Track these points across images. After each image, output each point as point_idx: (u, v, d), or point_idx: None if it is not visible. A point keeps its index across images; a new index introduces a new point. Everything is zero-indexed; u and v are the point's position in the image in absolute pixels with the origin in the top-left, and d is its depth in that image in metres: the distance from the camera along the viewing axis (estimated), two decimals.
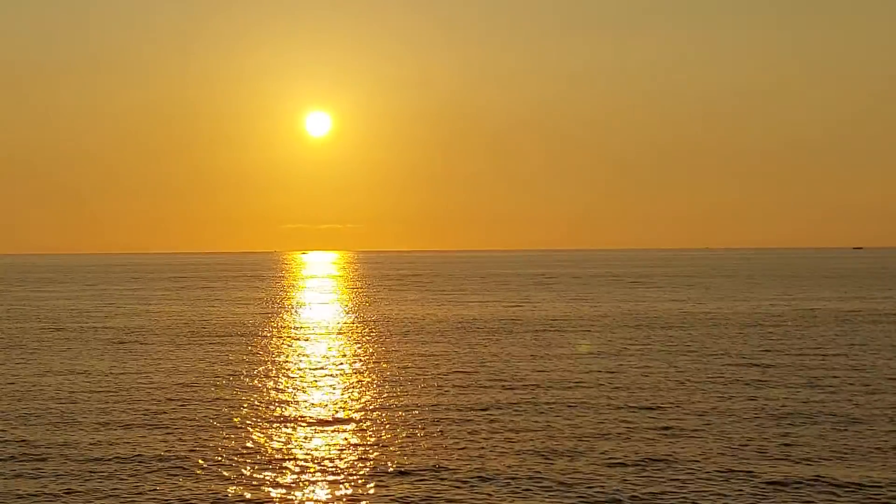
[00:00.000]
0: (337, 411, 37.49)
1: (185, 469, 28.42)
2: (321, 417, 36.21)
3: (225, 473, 27.96)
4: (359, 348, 60.60)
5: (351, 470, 28.23)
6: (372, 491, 26.01)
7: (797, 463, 28.40)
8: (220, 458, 29.65)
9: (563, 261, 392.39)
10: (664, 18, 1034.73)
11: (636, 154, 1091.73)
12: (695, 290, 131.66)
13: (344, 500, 25.43)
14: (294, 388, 43.51)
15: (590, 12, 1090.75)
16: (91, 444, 31.86)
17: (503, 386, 43.29)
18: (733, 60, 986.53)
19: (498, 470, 27.81)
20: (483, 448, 30.65)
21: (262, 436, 32.81)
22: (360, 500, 25.33)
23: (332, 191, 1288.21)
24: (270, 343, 64.54)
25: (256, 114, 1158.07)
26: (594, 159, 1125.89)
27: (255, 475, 27.68)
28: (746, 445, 30.57)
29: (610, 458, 29.27)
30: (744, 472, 27.43)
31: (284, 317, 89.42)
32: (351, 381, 45.69)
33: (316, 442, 31.99)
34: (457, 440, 31.86)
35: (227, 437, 32.65)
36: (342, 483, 26.80)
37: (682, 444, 30.60)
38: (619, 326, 74.19)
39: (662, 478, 26.79)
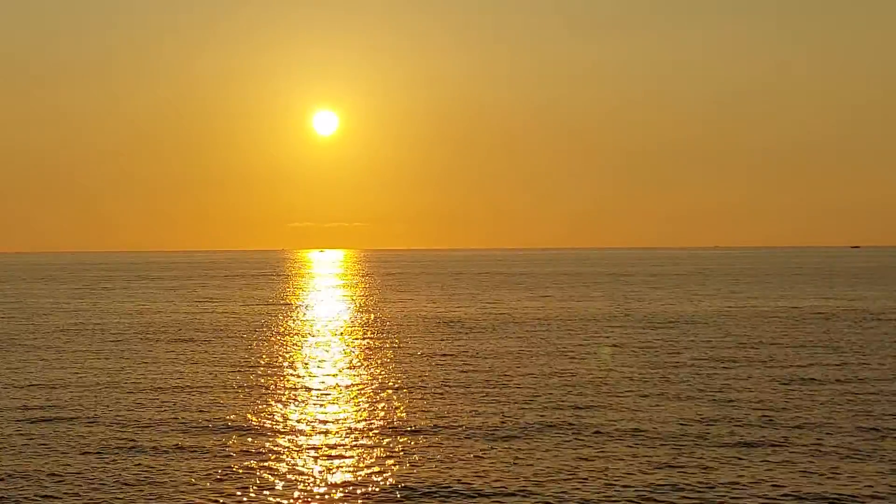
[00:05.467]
0: (344, 412, 38.14)
1: (186, 466, 28.73)
2: (325, 419, 35.83)
3: (233, 469, 28.73)
4: (372, 346, 61.67)
5: (355, 466, 29.25)
6: (378, 487, 26.31)
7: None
8: (224, 454, 30.31)
9: (572, 259, 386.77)
10: (671, 18, 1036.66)
11: (643, 153, 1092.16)
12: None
13: (346, 497, 25.62)
14: (299, 387, 43.62)
15: (597, 12, 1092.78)
16: (99, 441, 31.98)
17: (514, 386, 44.09)
18: (738, 60, 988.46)
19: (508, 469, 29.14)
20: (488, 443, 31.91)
21: (264, 434, 32.85)
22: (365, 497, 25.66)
23: (340, 189, 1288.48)
24: (282, 341, 64.80)
25: (264, 113, 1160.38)
26: (601, 158, 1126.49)
27: (258, 471, 28.11)
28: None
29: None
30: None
31: (294, 315, 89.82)
32: (362, 380, 46.54)
33: (319, 440, 31.93)
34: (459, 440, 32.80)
35: (232, 434, 33.11)
36: (345, 481, 27.14)
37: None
38: (646, 327, 75.06)
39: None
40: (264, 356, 55.12)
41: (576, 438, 31.42)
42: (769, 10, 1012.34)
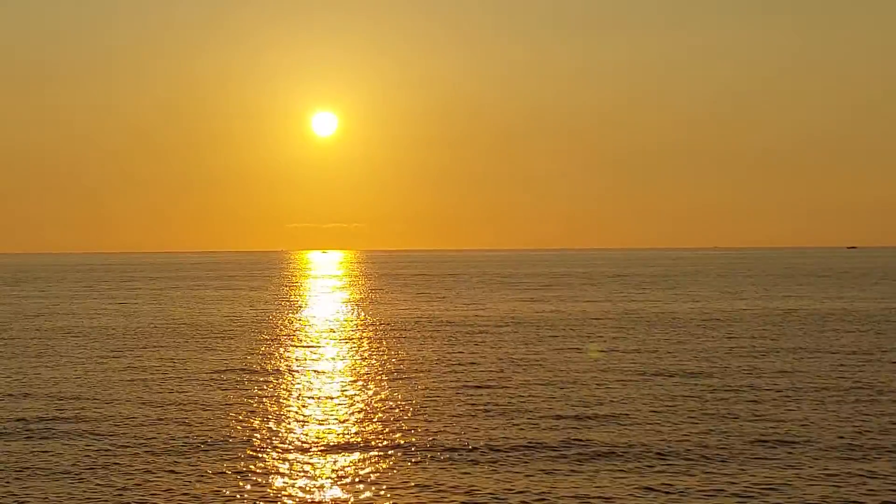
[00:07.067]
0: (345, 418, 38.80)
1: (187, 463, 30.01)
2: (328, 425, 36.99)
3: (232, 466, 29.66)
4: (366, 351, 61.81)
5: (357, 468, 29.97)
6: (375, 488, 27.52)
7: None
8: (224, 453, 31.34)
9: (571, 260, 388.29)
10: (671, 18, 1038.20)
11: (643, 153, 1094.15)
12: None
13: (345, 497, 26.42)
14: (286, 396, 43.86)
15: (595, 11, 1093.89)
16: (101, 439, 33.05)
17: (518, 390, 44.54)
18: (738, 60, 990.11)
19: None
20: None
21: (251, 448, 33.32)
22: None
23: (339, 190, 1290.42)
24: (274, 346, 65.13)
25: (264, 114, 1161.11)
26: (600, 158, 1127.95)
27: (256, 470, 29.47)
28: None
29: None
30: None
31: (290, 318, 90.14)
32: (351, 390, 46.50)
33: (319, 443, 33.25)
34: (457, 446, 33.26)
35: (234, 433, 34.09)
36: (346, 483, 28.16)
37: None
38: (636, 327, 75.76)
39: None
40: (256, 362, 54.85)
41: (566, 455, 30.98)
42: (769, 10, 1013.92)
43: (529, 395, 41.78)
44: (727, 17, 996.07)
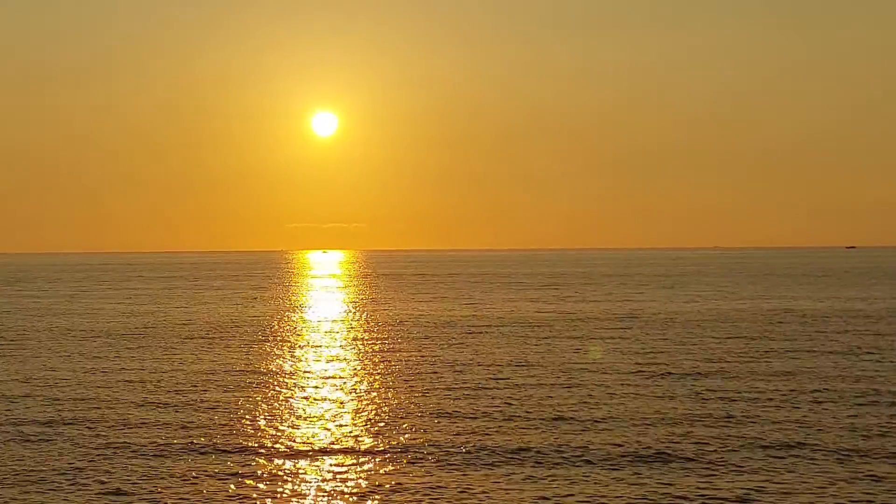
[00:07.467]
0: (345, 417, 38.95)
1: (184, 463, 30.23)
2: (327, 426, 37.43)
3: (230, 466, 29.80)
4: (362, 354, 61.98)
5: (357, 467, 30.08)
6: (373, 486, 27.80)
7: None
8: (223, 452, 31.46)
9: (570, 260, 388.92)
10: (671, 17, 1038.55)
11: (643, 153, 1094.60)
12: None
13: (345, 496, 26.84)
14: (277, 400, 44.23)
15: (595, 11, 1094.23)
16: (99, 440, 33.40)
17: (513, 392, 44.66)
18: (738, 60, 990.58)
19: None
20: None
21: (264, 439, 34.11)
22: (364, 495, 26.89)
23: (339, 190, 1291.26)
24: (270, 348, 65.39)
25: (264, 114, 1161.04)
26: (601, 158, 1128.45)
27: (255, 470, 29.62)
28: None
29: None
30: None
31: (295, 316, 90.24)
32: (343, 394, 46.63)
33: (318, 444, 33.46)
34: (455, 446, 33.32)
35: (234, 434, 34.27)
36: (345, 482, 28.58)
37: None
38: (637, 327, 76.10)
39: None
40: (256, 363, 54.82)
41: (564, 456, 30.92)
42: (769, 10, 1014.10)
43: (528, 396, 41.73)
44: (727, 17, 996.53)
